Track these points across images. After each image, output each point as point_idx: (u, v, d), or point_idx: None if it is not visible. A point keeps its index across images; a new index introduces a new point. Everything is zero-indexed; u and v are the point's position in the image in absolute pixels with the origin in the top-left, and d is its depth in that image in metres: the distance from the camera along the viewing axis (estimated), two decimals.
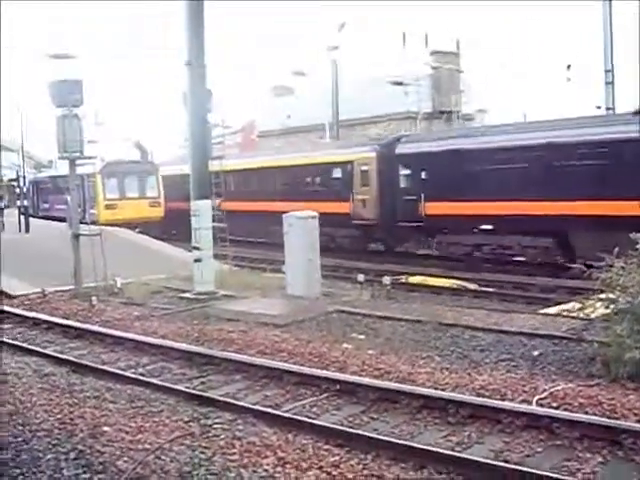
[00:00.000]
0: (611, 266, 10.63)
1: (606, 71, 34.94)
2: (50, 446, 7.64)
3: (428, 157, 26.90)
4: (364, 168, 29.65)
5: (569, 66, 39.90)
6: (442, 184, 25.84)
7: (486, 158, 24.60)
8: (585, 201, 21.44)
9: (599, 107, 35.30)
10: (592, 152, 21.73)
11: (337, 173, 31.07)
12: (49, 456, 7.36)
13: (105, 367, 11.44)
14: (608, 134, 21.79)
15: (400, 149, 28.70)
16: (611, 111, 32.67)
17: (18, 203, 36.27)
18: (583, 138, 22.40)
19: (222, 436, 7.96)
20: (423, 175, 27.16)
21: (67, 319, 15.46)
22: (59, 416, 8.65)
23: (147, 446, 7.56)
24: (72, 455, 7.36)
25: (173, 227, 34.41)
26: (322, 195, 30.17)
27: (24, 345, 13.21)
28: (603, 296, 10.91)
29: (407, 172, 27.96)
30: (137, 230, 31.90)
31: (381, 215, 28.49)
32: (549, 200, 22.22)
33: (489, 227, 24.64)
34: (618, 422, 7.73)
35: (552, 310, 15.47)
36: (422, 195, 26.52)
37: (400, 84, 41.55)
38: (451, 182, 25.41)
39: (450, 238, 26.52)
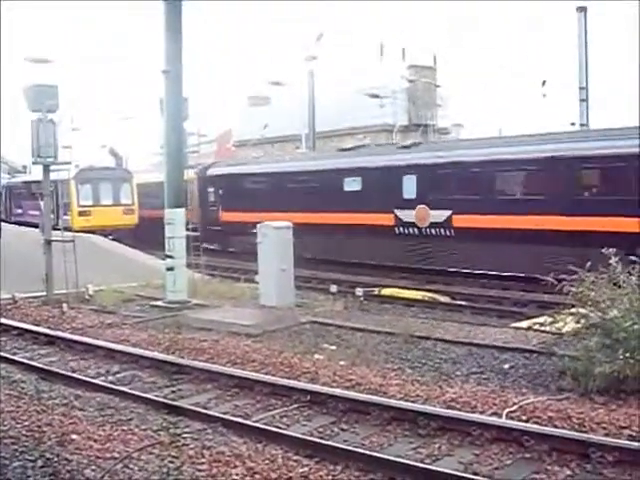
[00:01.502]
0: (582, 281, 10.71)
1: (580, 88, 35.38)
2: (17, 454, 7.55)
3: (223, 178, 36.02)
4: (190, 186, 36.38)
5: (544, 82, 40.24)
6: (230, 198, 34.75)
7: (255, 180, 34.04)
8: (307, 213, 28.85)
9: (573, 123, 35.69)
10: (309, 178, 30.62)
11: None
12: (16, 464, 7.27)
13: (75, 374, 11.36)
14: (314, 166, 31.32)
15: (209, 172, 37.24)
16: (585, 127, 33.12)
17: None
18: (302, 169, 31.64)
19: (191, 445, 7.92)
20: (220, 192, 35.99)
21: (37, 326, 15.32)
22: (27, 423, 8.55)
23: (116, 455, 7.50)
24: (39, 463, 7.28)
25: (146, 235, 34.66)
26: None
27: None
28: (574, 310, 10.99)
29: (212, 189, 36.66)
30: (110, 237, 31.70)
31: (200, 221, 34.60)
32: (289, 212, 27.49)
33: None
34: (587, 436, 7.77)
35: (524, 324, 15.49)
36: (220, 206, 35.45)
37: (377, 97, 41.67)
38: (235, 197, 34.26)
39: (238, 238, 32.82)
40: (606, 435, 7.88)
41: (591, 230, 20.71)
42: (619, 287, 10.62)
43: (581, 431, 8.01)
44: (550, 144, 23.12)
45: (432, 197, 25.66)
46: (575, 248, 19.28)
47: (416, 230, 26.04)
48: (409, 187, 26.31)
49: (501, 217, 23.32)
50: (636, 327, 9.70)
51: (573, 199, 21.99)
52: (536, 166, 23.14)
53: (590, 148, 22.15)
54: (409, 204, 26.20)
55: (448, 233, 25.14)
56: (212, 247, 33.84)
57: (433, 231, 25.57)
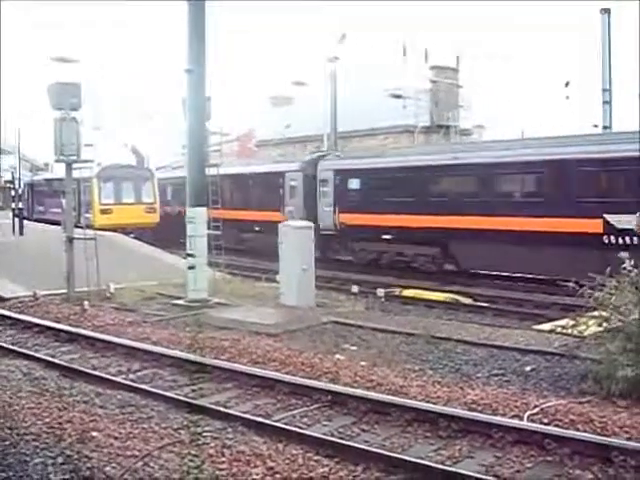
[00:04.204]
0: (604, 285, 10.64)
1: (603, 90, 35.13)
2: (38, 450, 7.58)
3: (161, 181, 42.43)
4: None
5: (567, 83, 40.01)
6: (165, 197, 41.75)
7: (170, 183, 40.62)
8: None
9: (596, 125, 35.45)
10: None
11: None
12: (36, 460, 7.30)
13: (96, 372, 11.39)
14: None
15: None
16: (608, 129, 32.93)
17: (13, 205, 36.05)
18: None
19: (212, 444, 7.93)
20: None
21: (59, 323, 15.40)
22: (48, 420, 8.59)
23: (136, 453, 7.52)
24: (60, 460, 7.31)
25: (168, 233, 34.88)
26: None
27: (14, 348, 13.15)
28: (596, 314, 10.91)
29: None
30: (131, 235, 31.81)
31: None
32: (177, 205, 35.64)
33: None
34: (609, 439, 7.71)
35: (545, 326, 15.44)
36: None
37: (399, 97, 41.57)
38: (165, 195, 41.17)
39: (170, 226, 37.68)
40: (628, 439, 7.82)
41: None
42: None
43: (603, 435, 7.94)
44: (267, 164, 39.38)
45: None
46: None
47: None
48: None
49: (241, 212, 35.57)
50: None
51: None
52: (260, 179, 37.52)
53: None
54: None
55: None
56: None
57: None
